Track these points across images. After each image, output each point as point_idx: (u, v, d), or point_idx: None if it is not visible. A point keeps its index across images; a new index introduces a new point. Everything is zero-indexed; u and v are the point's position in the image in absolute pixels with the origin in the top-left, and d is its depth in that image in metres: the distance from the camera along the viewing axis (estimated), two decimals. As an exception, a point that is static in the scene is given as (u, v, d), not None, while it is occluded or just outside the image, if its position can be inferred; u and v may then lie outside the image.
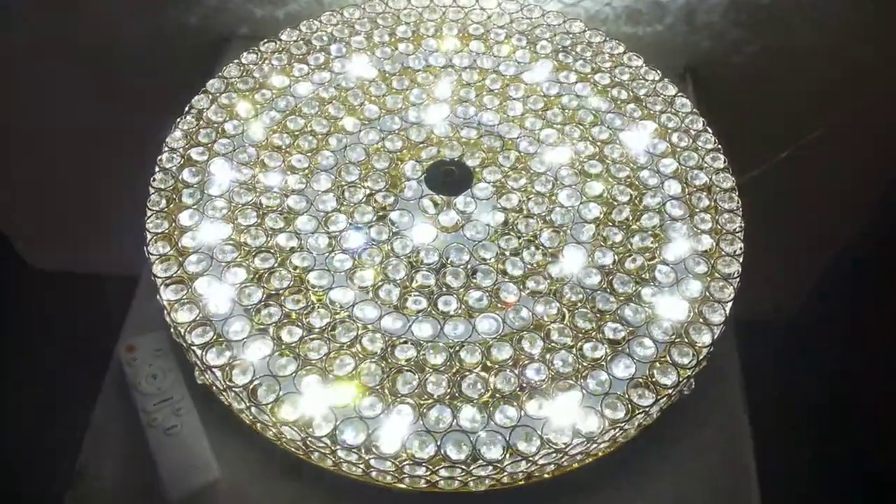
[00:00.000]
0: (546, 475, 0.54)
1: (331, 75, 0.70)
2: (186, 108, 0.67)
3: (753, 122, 0.85)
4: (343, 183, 0.63)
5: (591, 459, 0.55)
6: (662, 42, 0.82)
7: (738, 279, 0.57)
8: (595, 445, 0.53)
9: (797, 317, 1.21)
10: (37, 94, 0.98)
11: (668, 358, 0.54)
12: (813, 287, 1.16)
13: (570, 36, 0.74)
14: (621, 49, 0.73)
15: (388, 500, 0.54)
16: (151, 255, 0.57)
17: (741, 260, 0.59)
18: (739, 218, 0.61)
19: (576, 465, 0.55)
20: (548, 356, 0.53)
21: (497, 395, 0.52)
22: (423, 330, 0.54)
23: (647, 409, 0.52)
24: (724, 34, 0.80)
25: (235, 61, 0.71)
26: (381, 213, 0.61)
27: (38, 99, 0.98)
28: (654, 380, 0.53)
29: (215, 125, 0.66)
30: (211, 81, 0.69)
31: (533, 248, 0.59)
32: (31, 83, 0.96)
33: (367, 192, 0.62)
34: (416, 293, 0.56)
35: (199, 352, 0.52)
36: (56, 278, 1.27)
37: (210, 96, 0.68)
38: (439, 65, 0.72)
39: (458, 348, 0.53)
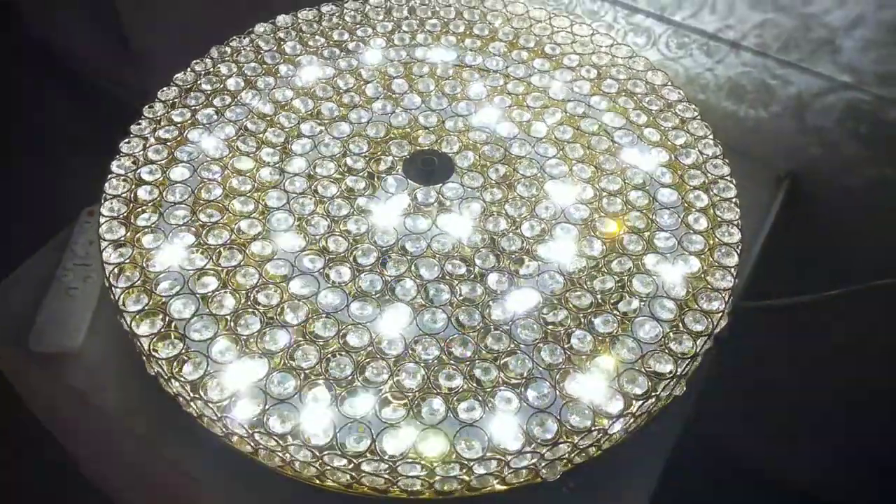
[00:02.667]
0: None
1: (385, 43, 0.70)
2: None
3: (846, 255, 0.71)
4: (332, 134, 0.62)
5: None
6: (764, 132, 0.71)
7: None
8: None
9: None
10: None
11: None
12: None
13: (645, 84, 0.66)
14: (693, 114, 0.64)
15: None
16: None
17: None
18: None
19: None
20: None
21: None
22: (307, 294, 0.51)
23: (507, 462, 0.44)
24: (840, 146, 0.68)
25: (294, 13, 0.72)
26: (343, 172, 0.59)
27: None
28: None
29: (234, 63, 0.68)
30: (260, 25, 0.71)
31: (461, 264, 0.53)
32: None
33: (344, 150, 0.61)
34: (318, 255, 0.53)
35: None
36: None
37: (251, 37, 0.70)
38: (494, 68, 0.68)
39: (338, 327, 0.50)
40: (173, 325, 0.49)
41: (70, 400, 0.58)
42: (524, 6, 0.74)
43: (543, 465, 0.47)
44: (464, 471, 0.45)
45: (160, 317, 0.49)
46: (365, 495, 0.48)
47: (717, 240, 0.56)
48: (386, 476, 0.45)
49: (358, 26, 0.71)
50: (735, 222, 0.57)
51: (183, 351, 0.48)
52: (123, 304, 0.50)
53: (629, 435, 0.50)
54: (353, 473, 0.45)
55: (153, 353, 0.48)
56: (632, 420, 0.48)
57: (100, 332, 0.58)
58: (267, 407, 0.46)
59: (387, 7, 0.74)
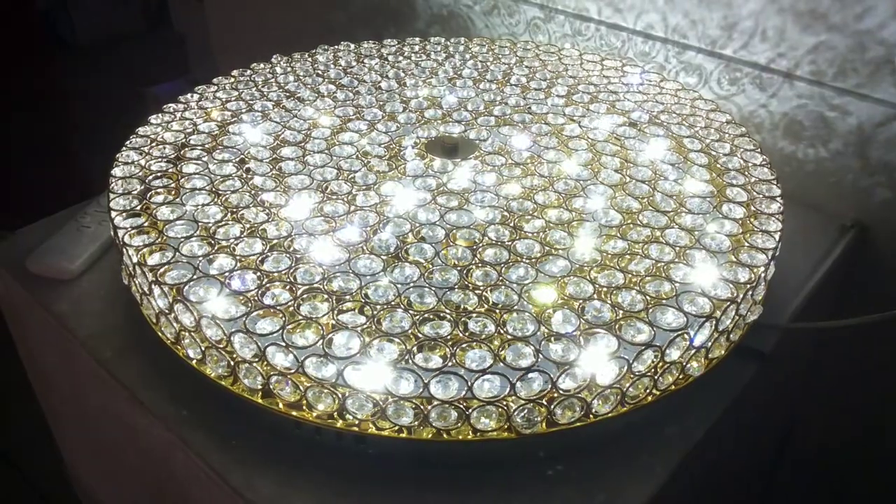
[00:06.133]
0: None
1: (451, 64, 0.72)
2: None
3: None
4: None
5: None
6: (826, 175, 0.66)
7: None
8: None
9: None
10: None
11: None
12: None
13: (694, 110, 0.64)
14: (757, 152, 0.59)
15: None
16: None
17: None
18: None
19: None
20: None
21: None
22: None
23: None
24: (911, 187, 0.62)
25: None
26: (369, 138, 0.59)
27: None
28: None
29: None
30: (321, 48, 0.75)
31: (446, 237, 0.49)
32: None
33: (381, 115, 0.62)
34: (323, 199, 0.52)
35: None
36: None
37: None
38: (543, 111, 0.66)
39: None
40: (157, 225, 0.48)
41: (53, 330, 0.56)
42: (577, 52, 0.75)
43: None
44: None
45: (147, 220, 0.49)
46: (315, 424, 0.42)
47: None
48: (332, 389, 0.40)
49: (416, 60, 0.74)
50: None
51: (158, 241, 0.46)
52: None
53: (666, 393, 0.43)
54: (294, 379, 0.40)
55: (127, 244, 0.46)
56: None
57: (99, 272, 0.57)
58: (220, 294, 0.42)
59: (445, 45, 0.77)
